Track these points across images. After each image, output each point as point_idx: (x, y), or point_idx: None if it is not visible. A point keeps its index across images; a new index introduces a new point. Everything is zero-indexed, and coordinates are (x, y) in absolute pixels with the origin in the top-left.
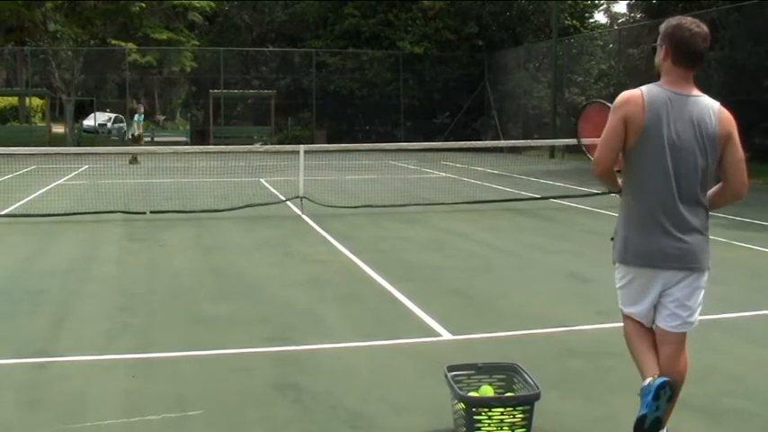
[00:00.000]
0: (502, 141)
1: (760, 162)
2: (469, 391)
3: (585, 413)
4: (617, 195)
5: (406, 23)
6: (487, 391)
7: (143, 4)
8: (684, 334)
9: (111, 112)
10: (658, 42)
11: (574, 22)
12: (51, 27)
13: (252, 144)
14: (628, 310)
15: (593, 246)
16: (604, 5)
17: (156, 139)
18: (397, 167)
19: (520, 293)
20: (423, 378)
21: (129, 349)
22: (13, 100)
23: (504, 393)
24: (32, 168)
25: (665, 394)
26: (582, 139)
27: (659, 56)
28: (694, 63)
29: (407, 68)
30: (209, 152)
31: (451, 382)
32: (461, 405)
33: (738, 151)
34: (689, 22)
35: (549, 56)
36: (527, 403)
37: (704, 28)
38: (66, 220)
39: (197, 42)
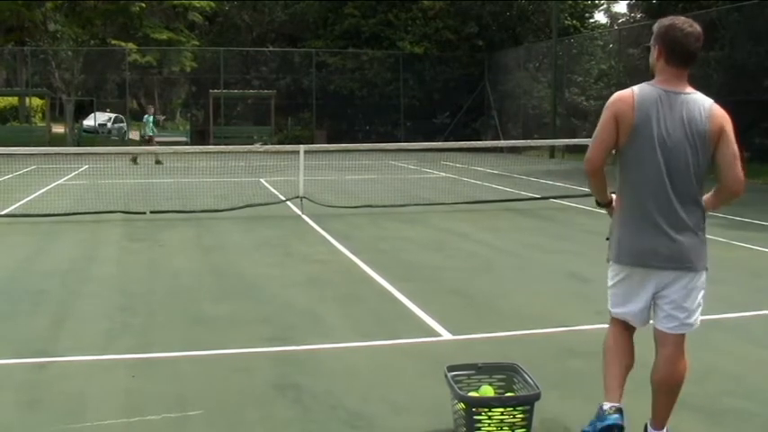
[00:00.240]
0: (502, 141)
1: (760, 162)
2: (469, 391)
3: (585, 413)
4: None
5: (406, 23)
6: (487, 391)
7: (143, 4)
8: (683, 335)
9: (111, 112)
10: (651, 42)
11: (574, 22)
12: (51, 27)
13: (252, 144)
14: (616, 311)
15: (593, 246)
16: (604, 5)
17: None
18: (397, 167)
19: (520, 293)
20: (423, 378)
21: (129, 349)
22: (13, 100)
23: (504, 393)
24: (32, 168)
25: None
26: None
27: (653, 55)
28: (687, 62)
29: (407, 68)
30: (209, 152)
31: (451, 382)
32: (461, 405)
33: (731, 148)
34: (681, 21)
35: (549, 56)
36: (527, 403)
37: (697, 27)
38: (66, 220)
39: (197, 42)
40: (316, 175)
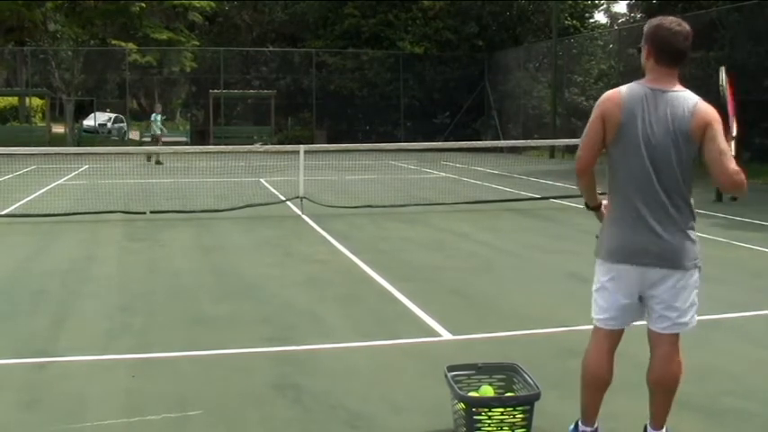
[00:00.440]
0: (502, 141)
1: (760, 162)
2: (469, 391)
3: None
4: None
5: (406, 23)
6: (487, 391)
7: (143, 4)
8: (677, 335)
9: (111, 112)
10: (642, 43)
11: (574, 22)
12: (51, 27)
13: (252, 144)
14: (600, 316)
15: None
16: (604, 5)
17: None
18: (397, 167)
19: (520, 293)
20: (423, 378)
21: (129, 349)
22: (13, 100)
23: (504, 393)
24: (32, 168)
25: None
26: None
27: (643, 56)
28: (676, 61)
29: (407, 68)
30: (209, 152)
31: (451, 382)
32: (461, 405)
33: (717, 145)
34: (669, 21)
35: (549, 56)
36: (527, 403)
37: (686, 26)
38: (66, 220)
39: (197, 42)
40: (316, 175)
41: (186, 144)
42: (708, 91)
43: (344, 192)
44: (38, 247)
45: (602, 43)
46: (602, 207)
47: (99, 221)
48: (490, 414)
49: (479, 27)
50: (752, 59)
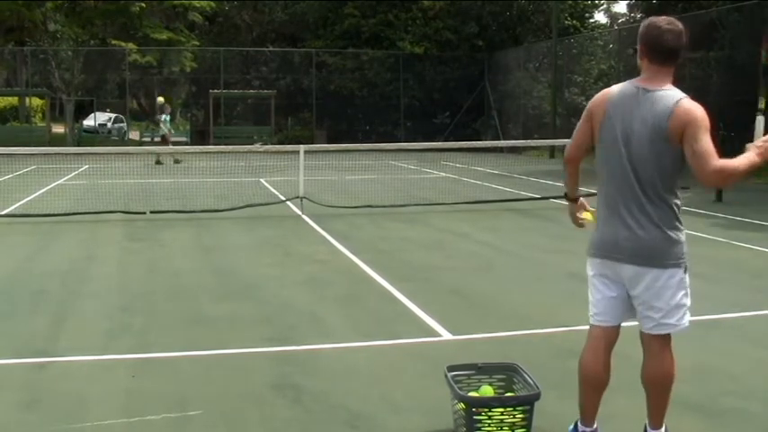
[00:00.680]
0: (502, 141)
1: None
2: (469, 391)
3: None
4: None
5: (406, 23)
6: (487, 391)
7: (143, 4)
8: (667, 336)
9: (111, 112)
10: (637, 44)
11: (574, 22)
12: (51, 27)
13: (252, 144)
14: (591, 313)
15: None
16: (604, 5)
17: (155, 139)
18: (397, 167)
19: (520, 293)
20: (423, 378)
21: (129, 349)
22: (13, 100)
23: (504, 393)
24: (32, 168)
25: None
26: None
27: (638, 56)
28: (668, 59)
29: (407, 68)
30: (209, 152)
31: (451, 382)
32: (461, 405)
33: (696, 145)
34: (660, 20)
35: (549, 56)
36: (527, 403)
37: (677, 25)
38: (66, 220)
39: (197, 42)
40: (316, 175)
41: (186, 144)
42: (707, 91)
43: (344, 192)
44: (38, 247)
45: (602, 43)
46: (578, 202)
47: (99, 221)
48: (490, 414)
49: (479, 27)
50: (752, 59)
